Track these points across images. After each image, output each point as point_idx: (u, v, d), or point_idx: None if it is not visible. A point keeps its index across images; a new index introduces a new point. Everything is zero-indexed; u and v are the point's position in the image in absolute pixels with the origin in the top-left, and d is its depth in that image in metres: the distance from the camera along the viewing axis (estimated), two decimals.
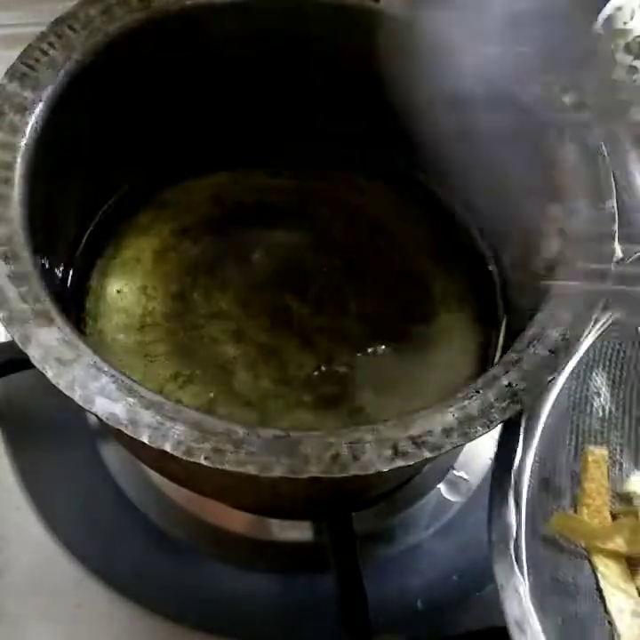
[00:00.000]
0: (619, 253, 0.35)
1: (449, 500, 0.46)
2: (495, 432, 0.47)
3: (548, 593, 0.32)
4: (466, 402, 0.32)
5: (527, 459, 0.34)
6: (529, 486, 0.33)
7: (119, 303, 0.43)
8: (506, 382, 0.32)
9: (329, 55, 0.43)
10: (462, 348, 0.43)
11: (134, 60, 0.40)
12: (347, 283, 0.45)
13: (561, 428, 0.36)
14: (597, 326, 0.36)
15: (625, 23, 0.68)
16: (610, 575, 0.35)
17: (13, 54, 0.37)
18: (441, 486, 0.46)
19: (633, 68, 0.67)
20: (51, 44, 0.37)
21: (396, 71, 0.40)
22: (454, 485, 0.46)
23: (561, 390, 0.36)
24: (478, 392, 0.32)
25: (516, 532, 0.32)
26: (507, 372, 0.32)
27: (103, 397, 0.30)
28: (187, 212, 0.46)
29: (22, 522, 0.44)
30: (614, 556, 0.35)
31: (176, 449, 0.29)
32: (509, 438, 0.34)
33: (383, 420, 0.31)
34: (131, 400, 0.30)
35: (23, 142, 0.35)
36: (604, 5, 0.68)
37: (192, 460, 0.29)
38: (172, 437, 0.30)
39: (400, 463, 0.30)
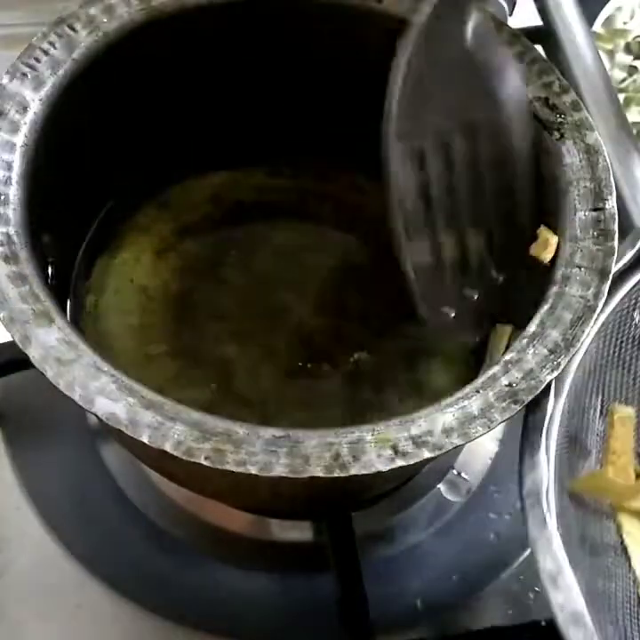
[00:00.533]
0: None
1: (449, 500, 0.46)
2: (495, 432, 0.48)
3: (576, 549, 0.32)
4: (466, 402, 0.32)
5: (556, 414, 0.34)
6: (557, 443, 0.33)
7: (119, 303, 0.43)
8: (506, 382, 0.32)
9: (329, 55, 0.43)
10: (462, 348, 0.43)
11: (134, 60, 0.40)
12: (347, 283, 0.45)
13: (589, 386, 0.36)
14: (624, 287, 0.36)
15: (625, 23, 0.68)
16: (635, 533, 0.35)
17: (14, 54, 0.37)
18: (441, 486, 0.46)
19: (633, 68, 0.67)
20: (51, 44, 0.37)
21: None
22: (454, 485, 0.46)
23: (588, 348, 0.35)
24: (478, 392, 0.32)
25: (547, 487, 0.32)
26: (507, 372, 0.32)
27: (103, 397, 0.30)
28: (187, 211, 0.46)
29: (22, 522, 0.44)
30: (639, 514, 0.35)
31: (176, 449, 0.29)
32: (540, 394, 0.34)
33: (383, 420, 0.31)
34: (131, 400, 0.30)
35: (23, 142, 0.35)
36: (604, 5, 0.68)
37: (192, 459, 0.29)
38: (172, 437, 0.30)
39: (400, 463, 0.30)
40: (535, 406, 0.34)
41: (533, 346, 0.33)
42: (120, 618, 0.42)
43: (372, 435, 0.30)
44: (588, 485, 0.35)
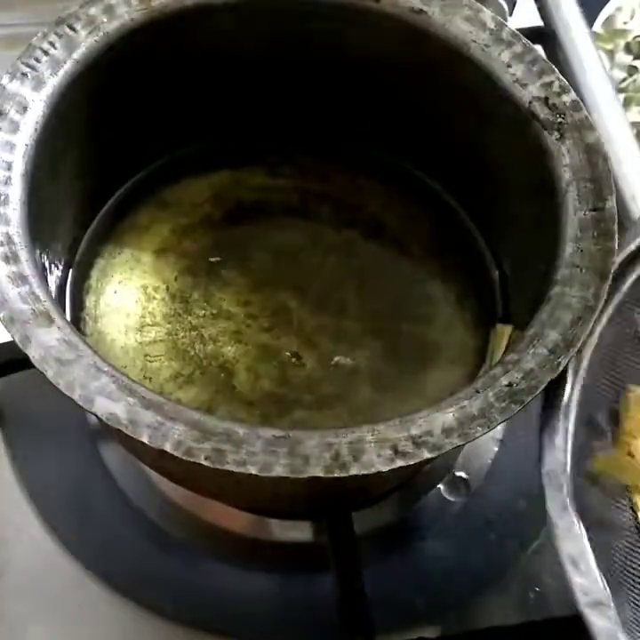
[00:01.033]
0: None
1: (449, 500, 0.46)
2: (495, 432, 0.48)
3: (595, 531, 0.32)
4: (466, 402, 0.32)
5: (574, 397, 0.34)
6: (574, 425, 0.33)
7: (119, 303, 0.43)
8: (506, 382, 0.32)
9: (329, 55, 0.43)
10: (462, 348, 0.43)
11: (135, 60, 0.40)
12: (346, 282, 0.45)
13: (604, 366, 0.36)
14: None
15: (625, 23, 0.68)
16: None
17: (14, 54, 0.37)
18: (441, 486, 0.46)
19: (633, 68, 0.67)
20: (51, 44, 0.37)
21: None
22: (454, 485, 0.46)
23: (605, 327, 0.35)
24: (478, 392, 0.32)
25: (566, 470, 0.32)
26: (507, 372, 0.32)
27: (103, 397, 0.30)
28: (187, 211, 0.46)
29: (22, 522, 0.44)
30: None
31: (176, 449, 0.29)
32: (558, 376, 0.33)
33: (383, 420, 0.31)
34: (131, 400, 0.30)
35: (24, 142, 0.35)
36: (604, 5, 0.68)
37: (192, 459, 0.29)
38: (172, 437, 0.30)
39: (400, 463, 0.30)
40: (553, 389, 0.33)
41: (533, 346, 0.33)
42: (120, 618, 0.42)
43: (372, 435, 0.30)
44: (604, 467, 0.35)
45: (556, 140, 0.37)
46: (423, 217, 0.47)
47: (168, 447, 0.29)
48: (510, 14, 0.59)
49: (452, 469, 0.47)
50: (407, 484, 0.46)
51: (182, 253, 0.45)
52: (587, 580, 0.30)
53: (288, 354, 0.42)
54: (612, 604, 0.30)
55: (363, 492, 0.42)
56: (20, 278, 0.32)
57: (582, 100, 0.38)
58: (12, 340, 0.31)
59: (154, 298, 0.44)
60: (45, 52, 0.37)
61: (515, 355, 0.33)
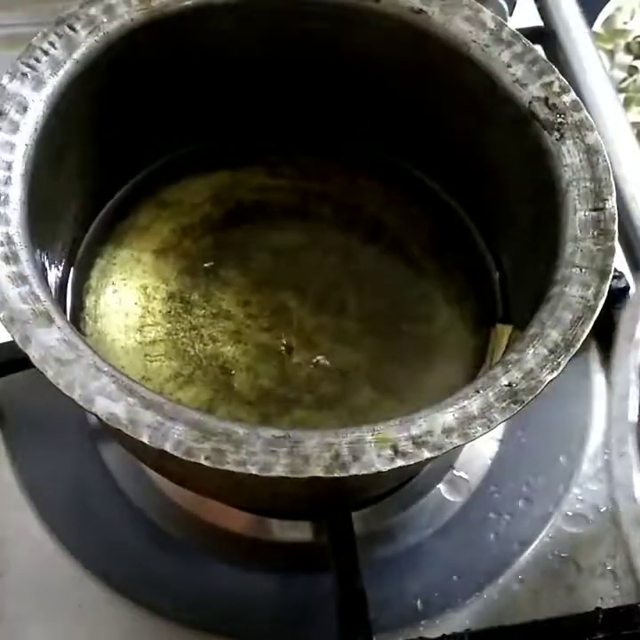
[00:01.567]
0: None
1: (449, 500, 0.46)
2: (495, 432, 0.48)
3: None
4: (466, 402, 0.31)
5: None
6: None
7: (119, 303, 0.43)
8: (506, 382, 0.32)
9: (329, 55, 0.43)
10: (462, 348, 0.43)
11: (135, 60, 0.40)
12: (346, 282, 0.45)
13: None
14: None
15: (625, 23, 0.68)
16: None
17: (14, 54, 0.37)
18: (441, 486, 0.46)
19: (633, 68, 0.67)
20: (51, 44, 0.37)
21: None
22: (454, 485, 0.46)
23: None
24: (478, 392, 0.32)
25: (635, 429, 0.31)
26: (507, 372, 0.32)
27: (103, 397, 0.30)
28: (187, 211, 0.46)
29: (22, 522, 0.44)
30: None
31: (176, 449, 0.29)
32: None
33: (383, 420, 0.31)
34: (131, 400, 0.30)
35: (24, 142, 0.35)
36: (604, 5, 0.68)
37: (192, 459, 0.29)
38: (172, 437, 0.30)
39: (400, 463, 0.30)
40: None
41: (533, 346, 0.33)
42: (120, 617, 0.42)
43: (372, 435, 0.30)
44: None
45: (556, 140, 0.38)
46: (423, 217, 0.47)
47: (168, 447, 0.29)
48: (510, 14, 0.59)
49: (452, 469, 0.47)
50: (407, 484, 0.46)
51: (182, 253, 0.45)
52: None
53: (288, 354, 0.42)
54: None
55: (363, 491, 0.42)
56: (20, 278, 0.32)
57: (582, 100, 0.39)
58: (11, 340, 0.31)
59: (154, 298, 0.44)
60: (45, 52, 0.37)
61: (515, 354, 0.33)
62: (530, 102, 0.38)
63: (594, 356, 0.51)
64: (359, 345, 0.43)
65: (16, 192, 0.34)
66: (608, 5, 0.68)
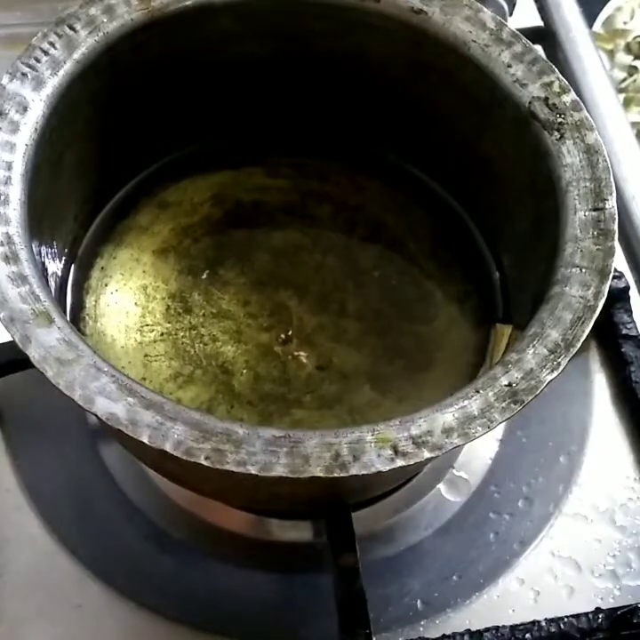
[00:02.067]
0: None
1: (449, 500, 0.46)
2: (495, 432, 0.48)
3: None
4: (466, 402, 0.31)
5: None
6: None
7: (119, 303, 0.43)
8: (506, 382, 0.32)
9: (329, 55, 0.43)
10: (462, 348, 0.43)
11: (135, 60, 0.40)
12: (346, 282, 0.45)
13: None
14: None
15: (625, 23, 0.68)
16: None
17: (14, 54, 0.37)
18: (441, 486, 0.46)
19: (633, 68, 0.67)
20: (51, 44, 0.37)
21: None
22: (454, 485, 0.46)
23: None
24: (478, 392, 0.32)
25: None
26: (507, 372, 0.32)
27: (103, 397, 0.30)
28: (187, 212, 0.46)
29: (22, 522, 0.44)
30: None
31: (176, 449, 0.29)
32: None
33: (383, 420, 0.31)
34: (131, 400, 0.30)
35: (24, 142, 0.35)
36: (604, 5, 0.68)
37: (192, 460, 0.29)
38: (172, 437, 0.30)
39: (400, 463, 0.30)
40: None
41: (533, 346, 0.33)
42: (120, 618, 0.42)
43: (372, 435, 0.30)
44: None
45: (556, 140, 0.37)
46: (423, 217, 0.47)
47: (168, 447, 0.29)
48: (510, 14, 0.59)
49: (452, 469, 0.47)
50: (407, 483, 0.46)
51: (182, 253, 0.45)
52: None
53: (288, 354, 0.42)
54: None
55: (363, 491, 0.42)
56: (20, 278, 0.32)
57: (582, 100, 0.39)
58: (12, 339, 0.31)
59: (154, 298, 0.44)
60: (45, 52, 0.37)
61: (515, 354, 0.33)
62: (530, 102, 0.38)
63: (594, 356, 0.51)
64: (359, 345, 0.43)
65: (16, 192, 0.34)
66: (608, 5, 0.68)
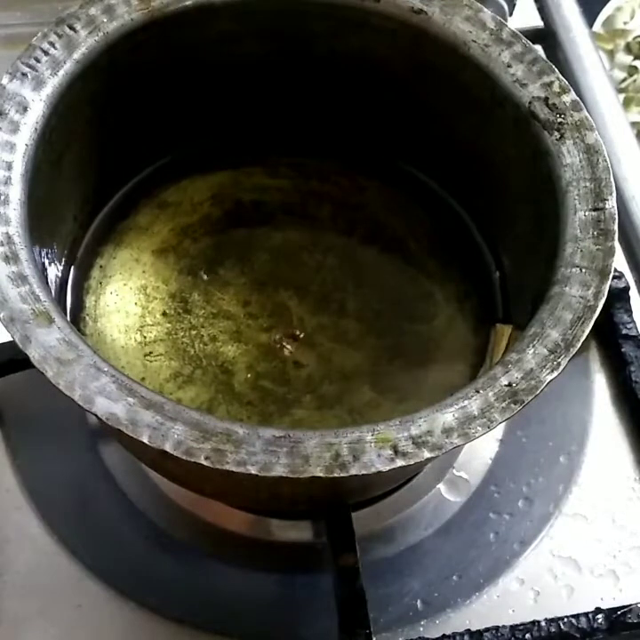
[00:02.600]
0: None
1: (449, 500, 0.46)
2: (495, 432, 0.48)
3: None
4: (466, 402, 0.31)
5: None
6: None
7: (119, 303, 0.43)
8: (506, 382, 0.32)
9: (329, 55, 0.43)
10: (462, 348, 0.43)
11: (135, 60, 0.40)
12: (346, 282, 0.45)
13: None
14: None
15: (625, 23, 0.68)
16: None
17: (14, 54, 0.37)
18: (441, 486, 0.46)
19: (633, 68, 0.67)
20: (51, 44, 0.37)
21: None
22: (454, 485, 0.46)
23: None
24: (478, 392, 0.32)
25: None
26: (507, 372, 0.32)
27: (103, 397, 0.30)
28: (186, 212, 0.46)
29: (22, 522, 0.44)
30: None
31: (176, 449, 0.29)
32: None
33: (383, 420, 0.31)
34: (131, 400, 0.30)
35: (24, 142, 0.35)
36: (604, 5, 0.68)
37: (192, 459, 0.29)
38: (172, 437, 0.30)
39: (400, 463, 0.30)
40: None
41: (533, 346, 0.33)
42: (120, 617, 0.42)
43: (372, 435, 0.30)
44: None
45: (556, 140, 0.37)
46: (423, 217, 0.47)
47: (168, 447, 0.29)
48: (510, 14, 0.59)
49: (452, 469, 0.47)
50: (407, 483, 0.46)
51: (182, 253, 0.45)
52: None
53: (288, 354, 0.42)
54: None
55: (363, 491, 0.42)
56: (20, 278, 0.32)
57: (582, 100, 0.39)
58: (12, 339, 0.31)
59: (154, 298, 0.44)
60: (45, 52, 0.37)
61: (515, 354, 0.33)
62: (530, 102, 0.38)
63: (594, 356, 0.51)
64: (359, 345, 0.43)
65: (16, 192, 0.34)
66: (608, 5, 0.68)
